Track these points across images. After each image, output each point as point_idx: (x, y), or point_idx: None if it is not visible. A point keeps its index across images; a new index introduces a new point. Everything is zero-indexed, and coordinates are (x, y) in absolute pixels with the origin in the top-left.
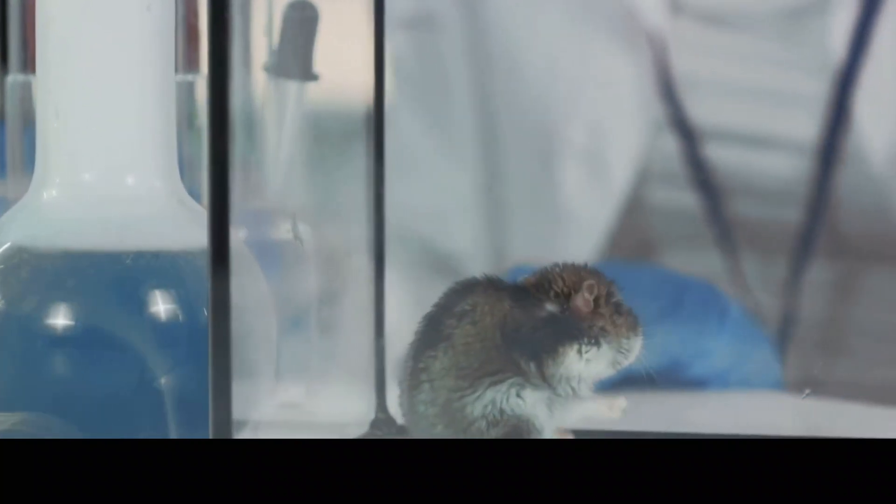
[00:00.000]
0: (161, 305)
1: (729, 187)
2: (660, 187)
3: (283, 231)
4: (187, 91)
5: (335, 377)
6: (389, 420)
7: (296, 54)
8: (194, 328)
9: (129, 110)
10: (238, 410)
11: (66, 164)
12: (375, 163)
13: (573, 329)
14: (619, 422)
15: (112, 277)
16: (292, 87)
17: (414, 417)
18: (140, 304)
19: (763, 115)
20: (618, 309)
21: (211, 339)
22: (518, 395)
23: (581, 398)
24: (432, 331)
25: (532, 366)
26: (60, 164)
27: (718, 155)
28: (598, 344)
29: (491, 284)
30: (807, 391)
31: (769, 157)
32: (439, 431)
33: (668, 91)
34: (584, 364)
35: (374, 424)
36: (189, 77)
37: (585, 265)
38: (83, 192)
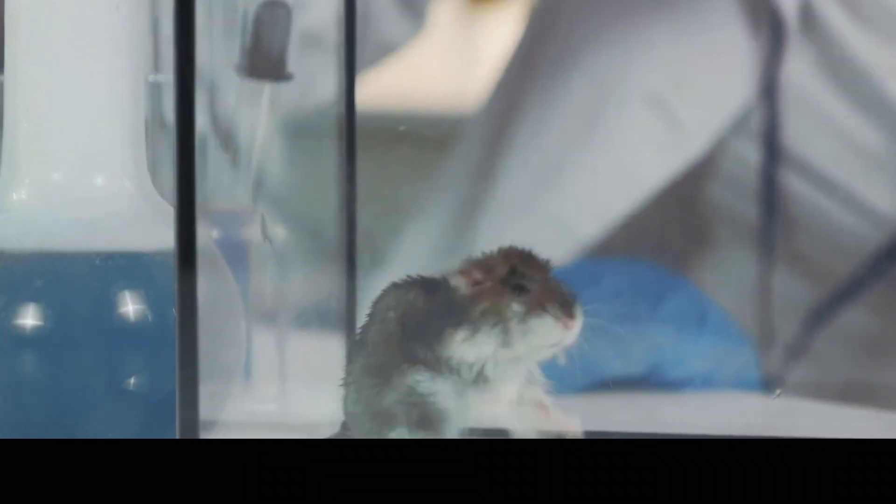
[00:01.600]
0: (130, 306)
1: (789, 215)
2: (718, 185)
3: (254, 232)
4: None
5: (307, 377)
6: None
7: (269, 54)
8: (164, 328)
9: (99, 110)
10: (207, 411)
11: (35, 164)
12: (347, 163)
13: (457, 313)
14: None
15: (81, 278)
16: (265, 87)
17: (347, 419)
18: (110, 305)
19: (851, 169)
20: (519, 289)
21: (178, 339)
22: (427, 382)
23: (501, 383)
24: (355, 339)
25: (428, 353)
26: (30, 165)
27: (790, 182)
28: (476, 327)
29: (408, 283)
30: (777, 391)
31: (841, 210)
32: (368, 427)
33: (770, 94)
34: (469, 347)
35: (346, 425)
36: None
37: (513, 248)
38: (52, 193)
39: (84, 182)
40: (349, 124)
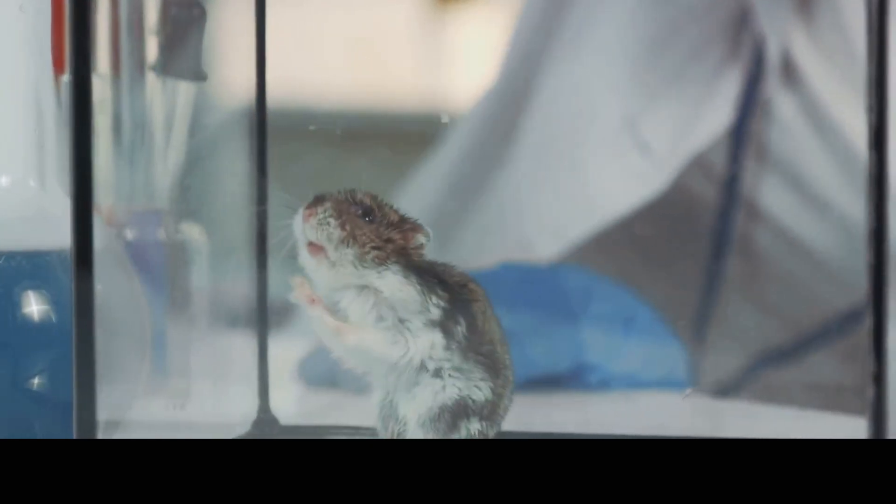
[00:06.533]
0: (34, 306)
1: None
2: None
3: (168, 231)
4: None
5: (219, 377)
6: (272, 420)
7: (184, 54)
8: (67, 328)
9: (2, 110)
10: (112, 411)
11: None
12: (258, 159)
13: None
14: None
15: None
16: (181, 86)
17: None
18: (12, 305)
19: (801, 222)
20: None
21: (75, 339)
22: None
23: None
24: None
25: None
26: None
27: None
28: None
29: None
30: (687, 391)
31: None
32: None
33: (739, 135)
34: None
35: (257, 425)
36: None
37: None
38: None
39: None
40: (260, 123)
